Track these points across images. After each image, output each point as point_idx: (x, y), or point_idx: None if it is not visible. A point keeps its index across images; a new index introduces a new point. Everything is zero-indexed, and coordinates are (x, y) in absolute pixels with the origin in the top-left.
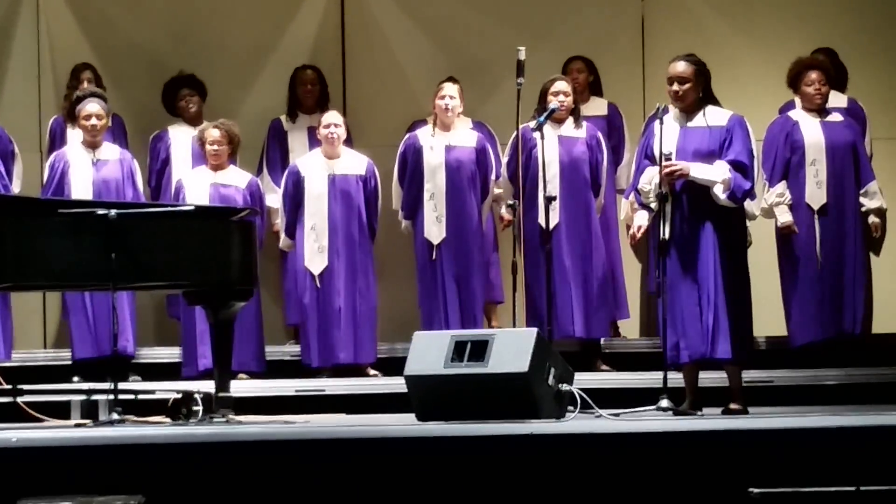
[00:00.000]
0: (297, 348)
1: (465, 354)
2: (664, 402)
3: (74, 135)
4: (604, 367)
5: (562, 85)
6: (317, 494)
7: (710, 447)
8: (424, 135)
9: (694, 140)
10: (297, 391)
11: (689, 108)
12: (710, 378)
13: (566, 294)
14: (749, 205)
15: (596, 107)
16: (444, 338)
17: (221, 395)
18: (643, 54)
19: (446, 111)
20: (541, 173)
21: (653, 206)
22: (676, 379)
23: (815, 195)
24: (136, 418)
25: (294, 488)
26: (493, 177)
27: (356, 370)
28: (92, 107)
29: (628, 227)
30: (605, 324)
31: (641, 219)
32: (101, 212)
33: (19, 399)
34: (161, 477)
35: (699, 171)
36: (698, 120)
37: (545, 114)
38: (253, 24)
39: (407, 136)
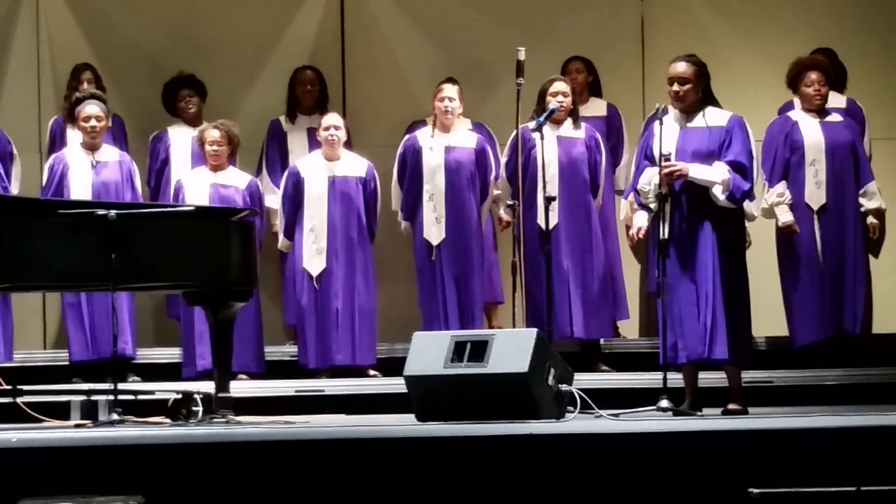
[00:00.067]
0: (296, 349)
1: (464, 355)
2: (664, 403)
3: (74, 135)
4: (604, 367)
5: (560, 85)
6: (317, 495)
7: (710, 447)
8: (424, 136)
9: (693, 141)
10: (297, 392)
11: (689, 109)
12: (710, 378)
13: (566, 295)
14: (748, 206)
15: (595, 108)
16: (444, 338)
17: (221, 395)
18: (643, 54)
19: (446, 113)
20: (540, 174)
21: (652, 206)
22: (676, 379)
23: (815, 195)
24: (135, 419)
25: (294, 489)
26: (492, 178)
27: (356, 372)
28: (91, 108)
29: (628, 228)
30: (607, 324)
31: (641, 220)
32: (100, 212)
33: (19, 399)
34: (161, 477)
35: (698, 171)
36: (698, 120)
37: (545, 114)
38: (253, 24)
39: (406, 137)
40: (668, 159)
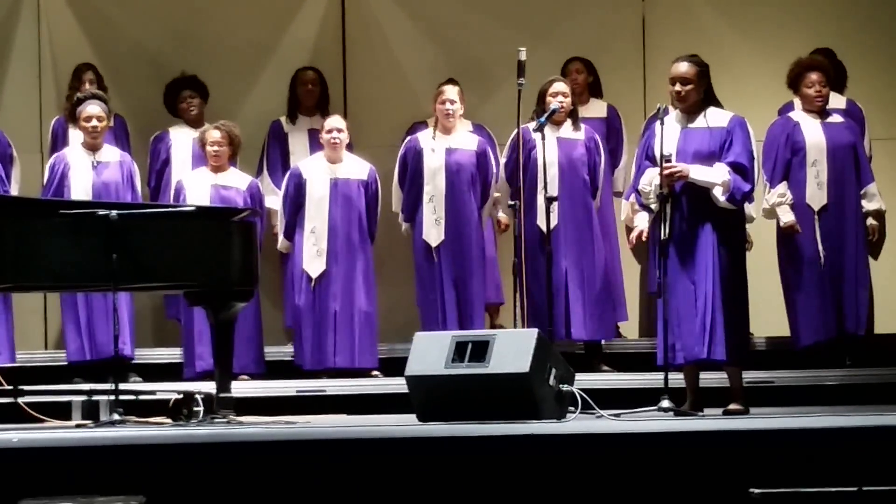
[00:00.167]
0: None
1: (465, 355)
2: (665, 403)
3: (76, 135)
4: (605, 367)
5: (560, 86)
6: (318, 495)
7: (711, 447)
8: (425, 137)
9: (694, 141)
10: (298, 392)
11: (691, 109)
12: (711, 378)
13: (566, 296)
14: (748, 207)
15: (595, 109)
16: (445, 338)
17: (222, 395)
18: (643, 55)
19: (447, 116)
20: (540, 174)
21: (653, 206)
22: (677, 379)
23: (816, 196)
24: (137, 419)
25: (295, 489)
26: (493, 180)
27: (356, 374)
28: (92, 109)
29: (628, 228)
30: (609, 325)
31: (641, 221)
32: (101, 212)
33: (20, 400)
34: (162, 477)
35: (699, 172)
36: (699, 121)
37: (547, 114)
38: (254, 25)
39: (407, 138)
40: (669, 160)
